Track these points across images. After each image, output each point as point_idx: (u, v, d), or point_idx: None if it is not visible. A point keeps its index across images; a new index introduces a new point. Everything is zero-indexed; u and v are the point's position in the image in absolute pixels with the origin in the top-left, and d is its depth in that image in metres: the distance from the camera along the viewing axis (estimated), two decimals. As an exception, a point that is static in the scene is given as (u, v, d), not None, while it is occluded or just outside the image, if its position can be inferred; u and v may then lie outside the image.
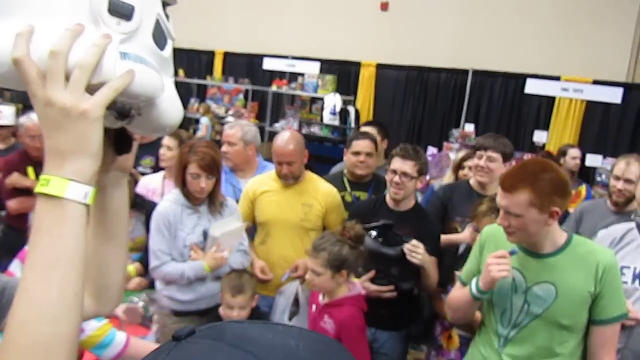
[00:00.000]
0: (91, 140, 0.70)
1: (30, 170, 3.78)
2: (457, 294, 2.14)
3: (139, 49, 0.75)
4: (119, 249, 0.94)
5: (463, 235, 2.96)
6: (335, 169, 3.90)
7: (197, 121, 8.86)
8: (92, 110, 0.68)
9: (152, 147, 3.69)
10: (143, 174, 3.91)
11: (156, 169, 4.03)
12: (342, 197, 3.25)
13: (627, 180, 2.96)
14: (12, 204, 3.74)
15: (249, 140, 3.49)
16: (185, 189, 2.75)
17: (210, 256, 2.71)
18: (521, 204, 1.82)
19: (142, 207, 2.98)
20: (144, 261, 2.86)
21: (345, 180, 3.37)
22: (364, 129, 3.95)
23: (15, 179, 3.74)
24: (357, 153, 3.28)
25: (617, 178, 3.02)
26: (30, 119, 3.73)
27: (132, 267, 2.92)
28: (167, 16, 0.80)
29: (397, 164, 2.75)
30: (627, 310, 1.94)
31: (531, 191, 1.80)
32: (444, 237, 2.97)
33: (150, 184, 3.47)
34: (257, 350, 0.53)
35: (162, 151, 3.51)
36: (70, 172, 0.69)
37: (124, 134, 0.85)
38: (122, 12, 0.72)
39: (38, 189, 0.69)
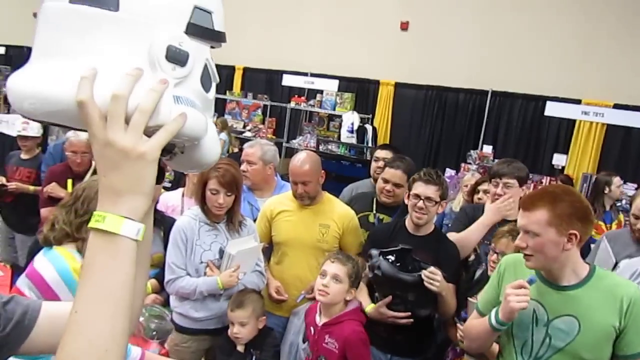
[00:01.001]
0: (147, 180, 0.73)
1: (69, 182, 3.89)
2: (475, 324, 2.10)
3: (190, 92, 0.79)
4: (141, 274, 0.96)
5: (485, 216, 2.97)
6: (349, 189, 3.87)
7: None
8: (149, 152, 0.71)
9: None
10: (163, 187, 3.96)
11: (174, 182, 4.07)
12: (366, 217, 3.23)
13: None
14: (44, 212, 3.85)
15: (268, 159, 3.49)
16: (204, 205, 2.76)
17: (225, 273, 2.72)
18: (539, 222, 1.82)
19: (161, 223, 2.98)
20: (161, 278, 2.86)
21: (374, 200, 3.34)
22: (378, 152, 3.93)
23: (51, 188, 3.87)
24: (386, 181, 3.25)
25: (637, 217, 2.97)
26: (77, 135, 3.88)
27: (148, 284, 2.93)
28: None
29: (421, 188, 2.73)
30: None
31: (550, 210, 1.81)
32: (472, 228, 2.98)
33: (170, 202, 3.49)
34: None
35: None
36: (125, 210, 0.71)
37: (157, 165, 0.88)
38: (178, 59, 0.76)
39: (92, 224, 0.71)
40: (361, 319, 2.51)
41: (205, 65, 0.82)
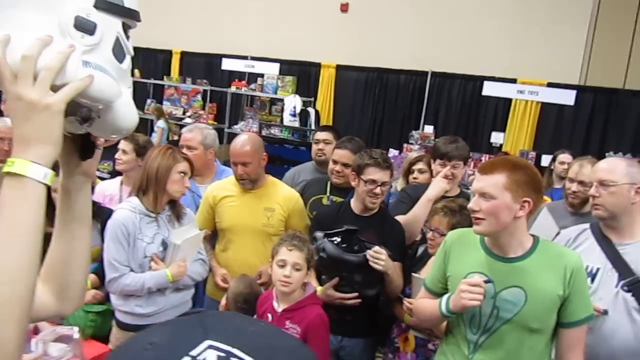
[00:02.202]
0: (53, 129, 0.81)
1: None
2: (426, 306, 2.11)
3: (100, 59, 0.88)
4: (82, 250, 1.05)
5: (429, 190, 2.95)
6: (291, 173, 3.83)
7: (151, 123, 8.62)
8: (54, 104, 0.80)
9: (110, 152, 3.59)
10: (101, 178, 3.81)
11: (114, 173, 3.92)
12: (320, 200, 3.20)
13: (581, 182, 3.03)
14: None
15: (209, 144, 3.40)
16: (146, 197, 2.65)
17: (174, 265, 2.63)
18: (497, 185, 1.85)
19: (98, 215, 2.82)
20: (100, 272, 2.73)
21: (328, 183, 3.29)
22: (318, 134, 3.88)
23: None
24: (335, 162, 3.21)
25: (572, 180, 3.08)
26: (4, 121, 3.67)
27: (87, 279, 2.78)
28: (127, 37, 0.93)
29: (378, 174, 2.70)
30: (593, 311, 1.97)
31: (508, 175, 1.86)
32: (417, 205, 2.94)
33: (108, 190, 3.34)
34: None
35: (118, 155, 3.40)
36: (32, 155, 0.80)
37: (87, 140, 0.97)
38: (86, 28, 0.85)
39: (4, 169, 0.79)
40: (319, 301, 2.48)
41: (117, 38, 0.90)
